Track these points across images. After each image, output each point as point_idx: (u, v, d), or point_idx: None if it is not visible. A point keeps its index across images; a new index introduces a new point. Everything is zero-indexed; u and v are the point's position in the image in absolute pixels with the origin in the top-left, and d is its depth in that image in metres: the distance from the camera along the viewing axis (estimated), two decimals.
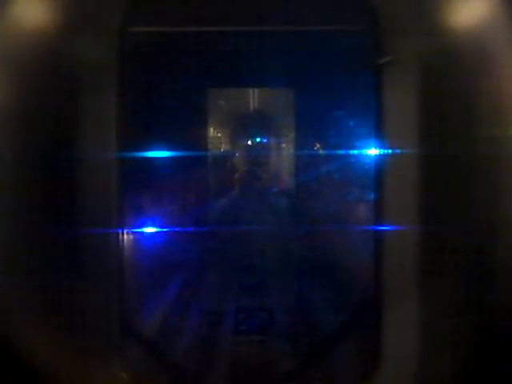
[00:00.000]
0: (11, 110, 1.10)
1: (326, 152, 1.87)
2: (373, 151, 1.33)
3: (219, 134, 2.06)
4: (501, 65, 1.06)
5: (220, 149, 2.08)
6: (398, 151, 1.24)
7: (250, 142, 2.03)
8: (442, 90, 1.18)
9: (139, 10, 1.28)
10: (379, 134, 1.28)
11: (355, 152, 1.64)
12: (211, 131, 2.03)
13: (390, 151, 1.26)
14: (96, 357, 1.22)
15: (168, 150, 1.68)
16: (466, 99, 1.12)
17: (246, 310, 1.68)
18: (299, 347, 1.55)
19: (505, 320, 1.06)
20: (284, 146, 2.00)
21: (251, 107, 2.04)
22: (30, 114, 1.12)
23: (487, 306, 1.09)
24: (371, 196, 1.36)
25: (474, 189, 1.13)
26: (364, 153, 1.55)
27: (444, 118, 1.17)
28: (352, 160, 1.65)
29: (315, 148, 1.91)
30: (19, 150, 1.11)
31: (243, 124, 2.06)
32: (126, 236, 1.39)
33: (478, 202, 1.12)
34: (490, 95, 1.08)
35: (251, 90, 2.03)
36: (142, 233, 1.62)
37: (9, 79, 1.10)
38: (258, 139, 2.02)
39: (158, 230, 1.68)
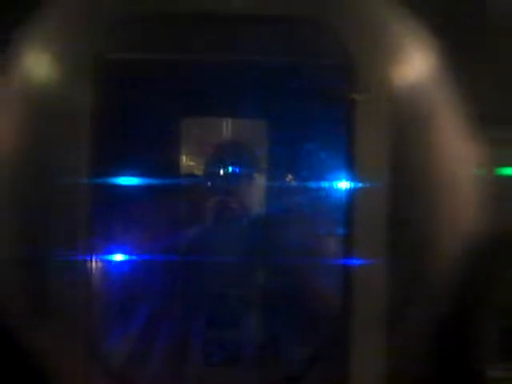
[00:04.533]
0: None
1: (297, 184, 1.89)
2: (343, 184, 1.35)
3: (192, 163, 2.06)
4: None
5: (192, 177, 2.08)
6: (368, 185, 1.27)
7: (222, 172, 2.03)
8: (411, 126, 1.21)
9: (115, 36, 1.29)
10: (350, 167, 1.30)
11: (326, 184, 1.66)
12: (184, 159, 2.03)
13: (360, 184, 1.28)
14: None
15: (140, 177, 1.67)
16: (430, 135, 1.16)
17: (216, 341, 1.67)
18: (268, 378, 1.53)
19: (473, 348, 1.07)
20: (256, 176, 2.01)
21: (224, 137, 2.05)
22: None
23: (458, 336, 1.10)
24: (341, 229, 1.37)
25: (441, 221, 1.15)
26: (335, 185, 1.57)
27: (412, 153, 1.20)
28: (323, 192, 1.67)
29: (287, 179, 1.92)
30: None
31: (216, 153, 2.07)
32: (94, 263, 1.37)
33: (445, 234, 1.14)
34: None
35: (225, 120, 2.05)
36: (111, 260, 1.60)
37: None
38: (231, 169, 2.03)
39: (128, 257, 1.66)
